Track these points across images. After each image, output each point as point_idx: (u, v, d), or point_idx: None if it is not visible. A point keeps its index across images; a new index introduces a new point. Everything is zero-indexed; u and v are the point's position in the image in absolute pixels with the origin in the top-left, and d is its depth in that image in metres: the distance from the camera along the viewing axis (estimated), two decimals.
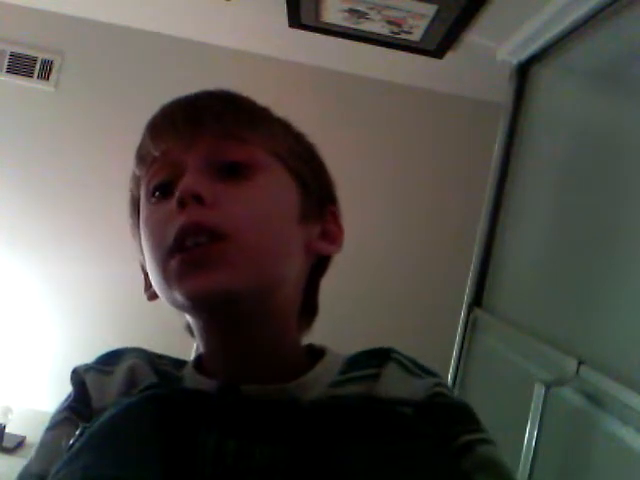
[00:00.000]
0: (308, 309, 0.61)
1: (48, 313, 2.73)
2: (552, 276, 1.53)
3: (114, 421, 0.49)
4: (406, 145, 2.85)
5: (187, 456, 0.45)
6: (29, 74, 2.74)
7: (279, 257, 0.53)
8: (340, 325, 2.33)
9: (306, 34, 2.30)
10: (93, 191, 2.74)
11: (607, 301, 1.24)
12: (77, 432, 0.49)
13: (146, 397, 0.50)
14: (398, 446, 0.47)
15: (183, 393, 0.52)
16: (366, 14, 2.03)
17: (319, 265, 0.61)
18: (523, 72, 1.89)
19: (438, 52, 2.25)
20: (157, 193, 0.54)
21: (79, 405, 0.55)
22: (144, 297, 0.60)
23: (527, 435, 1.21)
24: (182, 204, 0.50)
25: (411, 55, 2.32)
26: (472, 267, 1.92)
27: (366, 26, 2.13)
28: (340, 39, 2.29)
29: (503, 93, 1.93)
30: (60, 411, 0.56)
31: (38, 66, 2.74)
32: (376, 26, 2.11)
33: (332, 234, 0.60)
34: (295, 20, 2.20)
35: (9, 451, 2.43)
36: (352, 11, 2.03)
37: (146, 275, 0.59)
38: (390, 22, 2.05)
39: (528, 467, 1.18)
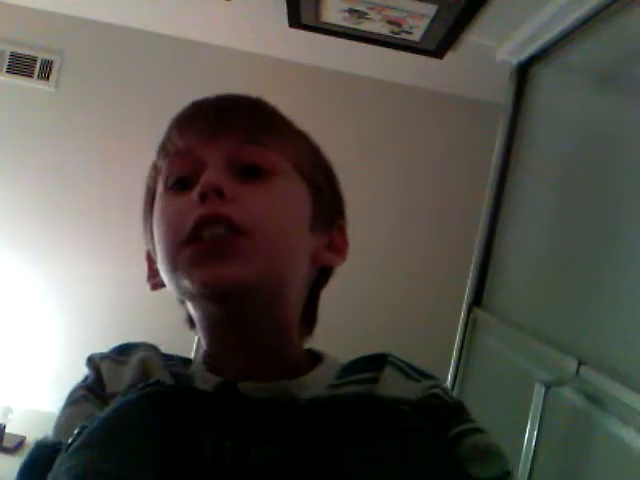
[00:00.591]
0: (308, 318, 0.62)
1: (48, 313, 2.73)
2: (552, 276, 1.53)
3: (114, 418, 0.49)
4: (406, 145, 2.86)
5: (185, 455, 0.45)
6: (29, 74, 2.74)
7: (290, 258, 0.55)
8: (340, 325, 2.33)
9: (306, 34, 2.30)
10: (93, 191, 2.74)
11: (607, 301, 1.24)
12: (76, 431, 0.49)
13: (145, 395, 0.50)
14: (396, 442, 0.48)
15: (181, 391, 0.52)
16: (366, 14, 2.03)
17: (321, 276, 0.62)
18: (523, 72, 1.89)
19: (438, 52, 2.25)
20: (176, 185, 0.56)
21: (96, 388, 0.57)
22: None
23: (527, 435, 1.21)
24: (203, 197, 0.52)
25: (411, 55, 2.32)
26: (472, 267, 1.92)
27: (366, 26, 2.13)
28: (340, 39, 2.29)
29: (503, 93, 1.93)
30: (78, 389, 0.58)
31: (38, 66, 2.74)
32: (376, 26, 2.11)
33: (338, 247, 0.62)
34: (295, 20, 2.19)
35: (9, 451, 2.43)
36: (352, 11, 2.03)
37: (150, 264, 0.61)
38: (390, 22, 2.05)
39: (528, 467, 1.18)
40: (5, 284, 2.72)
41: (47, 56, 2.75)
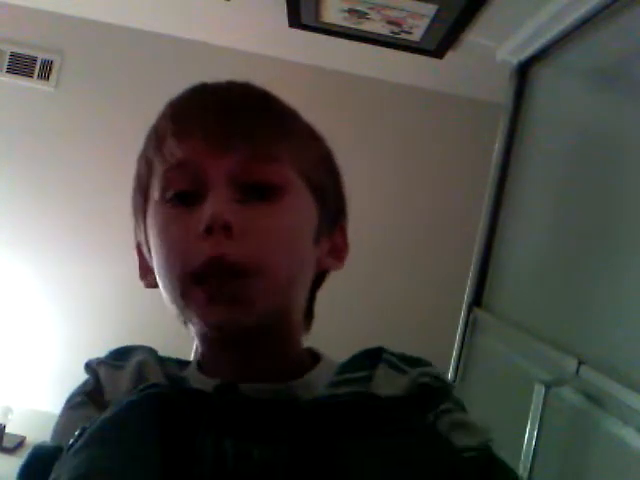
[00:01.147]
0: (306, 316, 0.62)
1: (48, 313, 2.73)
2: (552, 276, 1.53)
3: (115, 418, 0.49)
4: (406, 145, 2.85)
5: (186, 455, 0.45)
6: (29, 74, 2.74)
7: (299, 284, 0.56)
8: (340, 325, 2.33)
9: (306, 34, 2.30)
10: (93, 191, 2.74)
11: (607, 301, 1.24)
12: (77, 433, 0.49)
13: (147, 396, 0.50)
14: (394, 442, 0.48)
15: (183, 392, 0.52)
16: (366, 14, 2.03)
17: (319, 275, 0.62)
18: (523, 72, 1.89)
19: (438, 52, 2.25)
20: (176, 199, 0.53)
21: (95, 393, 0.57)
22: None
23: (527, 435, 1.21)
24: (210, 231, 0.50)
25: (411, 55, 2.32)
26: (472, 267, 1.92)
27: (366, 26, 2.13)
28: (340, 39, 2.29)
29: (503, 93, 1.93)
30: (76, 395, 0.58)
31: (38, 66, 2.74)
32: (376, 26, 2.11)
33: (338, 249, 0.61)
34: (295, 20, 2.19)
35: (9, 451, 2.43)
36: (352, 11, 2.03)
37: (141, 260, 0.60)
38: (390, 22, 2.05)
39: (528, 467, 1.18)
40: (5, 284, 2.72)
41: (47, 56, 2.75)
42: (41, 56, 2.75)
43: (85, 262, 2.73)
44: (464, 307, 1.91)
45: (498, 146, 1.92)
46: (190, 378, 0.56)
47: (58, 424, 0.56)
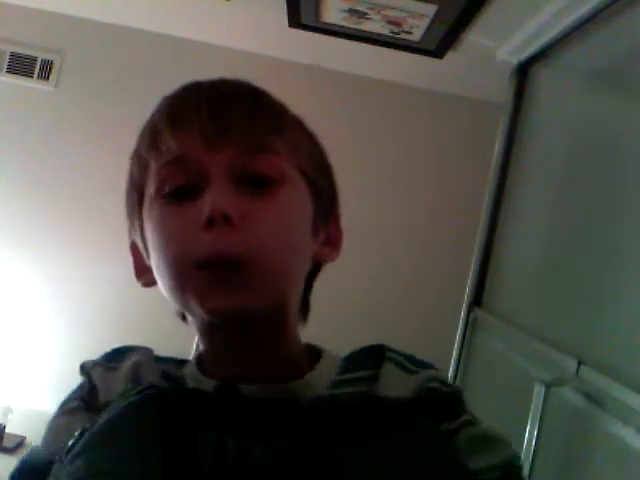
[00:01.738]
0: (303, 307, 0.62)
1: (48, 313, 2.73)
2: (552, 276, 1.53)
3: (115, 420, 0.49)
4: (406, 145, 2.85)
5: (187, 454, 0.45)
6: (29, 74, 2.74)
7: (297, 275, 0.56)
8: (340, 325, 2.33)
9: (306, 34, 2.30)
10: (93, 191, 2.73)
11: (607, 301, 1.24)
12: (77, 433, 0.49)
13: (147, 396, 0.50)
14: (396, 443, 0.48)
15: (183, 392, 0.52)
16: (366, 14, 2.03)
17: (315, 266, 0.62)
18: (523, 72, 1.89)
19: (438, 52, 2.25)
20: (174, 196, 0.53)
21: (89, 397, 0.56)
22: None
23: (527, 435, 1.21)
24: (211, 222, 0.50)
25: (411, 55, 2.31)
26: (472, 267, 1.92)
27: (366, 26, 2.13)
28: (340, 39, 2.29)
29: (503, 93, 1.93)
30: (71, 399, 0.57)
31: (38, 66, 2.74)
32: (376, 26, 2.11)
33: (334, 239, 0.62)
34: (295, 20, 2.19)
35: (9, 451, 2.43)
36: (352, 11, 2.03)
37: (136, 258, 0.60)
38: (390, 22, 2.05)
39: (528, 467, 1.18)
40: (5, 284, 2.72)
41: (47, 56, 2.75)
42: (41, 56, 2.75)
43: (85, 262, 2.72)
44: (464, 307, 1.91)
45: (498, 146, 1.92)
46: (189, 377, 0.56)
47: (51, 428, 0.56)
